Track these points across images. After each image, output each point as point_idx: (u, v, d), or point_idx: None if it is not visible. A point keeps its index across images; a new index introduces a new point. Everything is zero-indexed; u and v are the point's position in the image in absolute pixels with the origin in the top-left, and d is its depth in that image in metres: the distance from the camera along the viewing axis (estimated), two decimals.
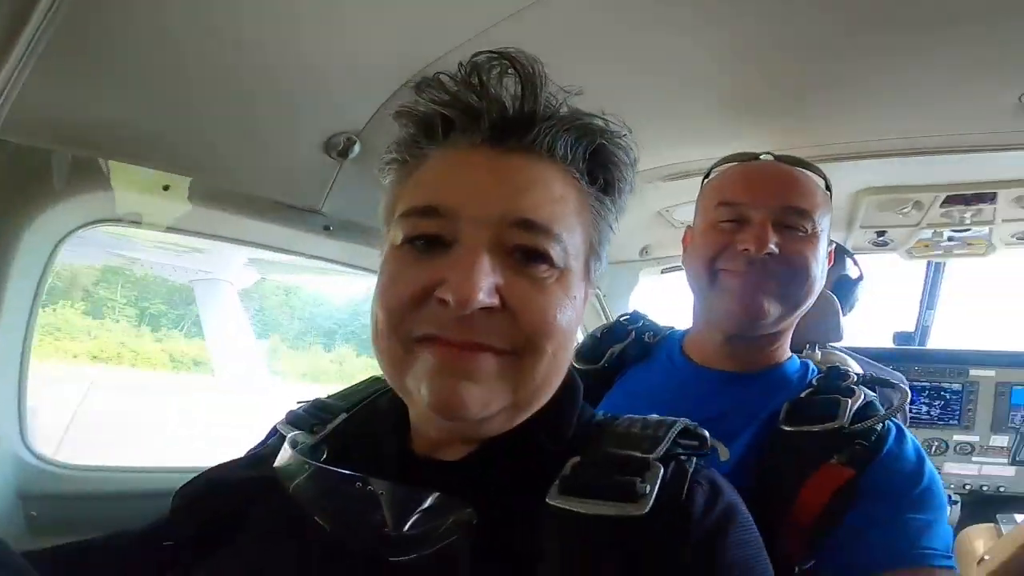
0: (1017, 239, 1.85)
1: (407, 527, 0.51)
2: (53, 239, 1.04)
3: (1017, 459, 2.26)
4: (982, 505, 2.19)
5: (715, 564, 0.51)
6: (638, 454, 0.54)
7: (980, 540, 1.97)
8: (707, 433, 0.60)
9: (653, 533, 0.49)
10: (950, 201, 1.62)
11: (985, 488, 2.32)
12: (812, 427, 0.80)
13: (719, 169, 0.99)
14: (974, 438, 2.38)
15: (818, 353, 1.31)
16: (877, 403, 0.85)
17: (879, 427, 0.80)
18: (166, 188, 1.06)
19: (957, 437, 2.39)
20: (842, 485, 0.76)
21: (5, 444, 1.03)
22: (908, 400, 0.87)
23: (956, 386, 2.43)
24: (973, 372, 2.41)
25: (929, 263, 2.56)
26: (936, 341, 2.72)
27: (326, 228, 1.27)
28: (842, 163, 1.40)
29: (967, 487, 2.32)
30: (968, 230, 1.81)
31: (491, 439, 0.57)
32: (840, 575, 0.75)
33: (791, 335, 0.96)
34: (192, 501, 0.68)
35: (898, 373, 1.71)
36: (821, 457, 0.78)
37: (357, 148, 1.15)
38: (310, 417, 0.69)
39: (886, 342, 2.69)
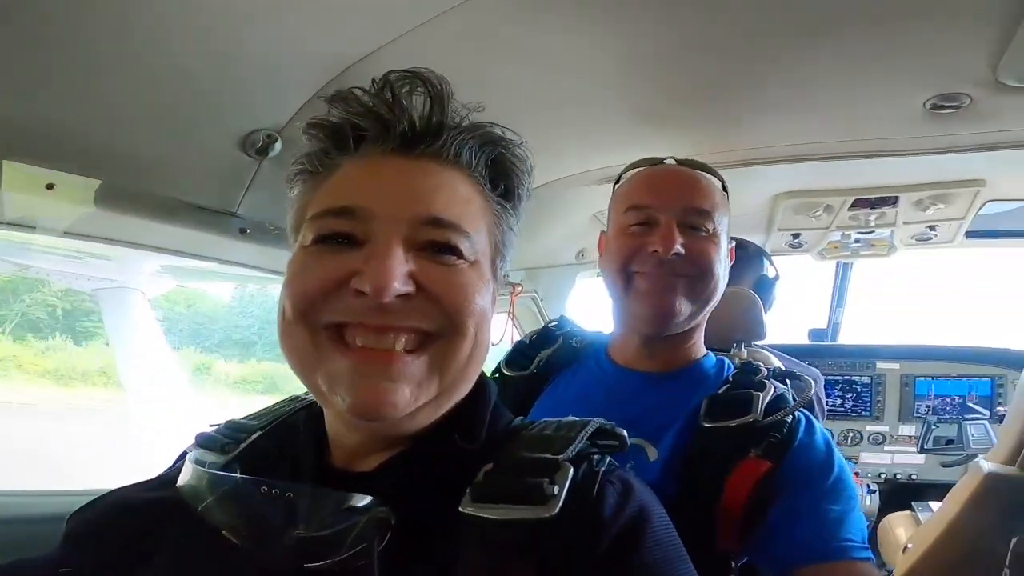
0: (916, 240, 2.00)
1: (321, 530, 0.51)
2: None
3: (924, 447, 2.43)
4: (898, 493, 2.36)
5: (630, 564, 0.51)
6: (549, 456, 0.54)
7: (900, 528, 2.10)
8: (625, 433, 0.61)
9: (564, 534, 0.50)
10: (857, 204, 1.74)
11: (899, 476, 2.49)
12: (729, 422, 0.83)
13: (627, 175, 1.02)
14: (884, 428, 2.56)
15: (744, 351, 1.35)
16: (788, 395, 0.88)
17: (789, 419, 0.84)
18: (49, 187, 0.96)
19: (870, 428, 2.56)
20: (761, 477, 0.79)
21: None
22: (812, 391, 0.91)
23: (866, 379, 2.61)
24: (880, 365, 2.60)
25: (838, 263, 2.73)
26: (847, 337, 2.91)
27: (242, 231, 1.18)
28: (761, 168, 1.47)
29: (883, 476, 2.49)
30: (872, 232, 1.94)
31: (406, 448, 0.58)
32: (769, 569, 0.78)
33: (703, 333, 0.99)
34: (91, 526, 0.63)
35: (814, 368, 1.80)
36: (740, 451, 0.81)
37: (278, 146, 1.09)
38: (222, 437, 0.66)
39: (803, 339, 2.84)
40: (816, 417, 0.90)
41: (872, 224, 1.86)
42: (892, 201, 1.69)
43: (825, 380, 2.57)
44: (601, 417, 0.66)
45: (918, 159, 1.36)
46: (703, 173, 0.97)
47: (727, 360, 1.00)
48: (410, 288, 0.52)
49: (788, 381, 0.93)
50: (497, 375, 1.07)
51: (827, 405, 2.57)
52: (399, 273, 0.51)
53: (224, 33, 0.89)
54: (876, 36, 0.97)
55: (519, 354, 1.07)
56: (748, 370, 0.94)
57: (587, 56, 1.07)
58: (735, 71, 1.10)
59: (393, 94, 0.57)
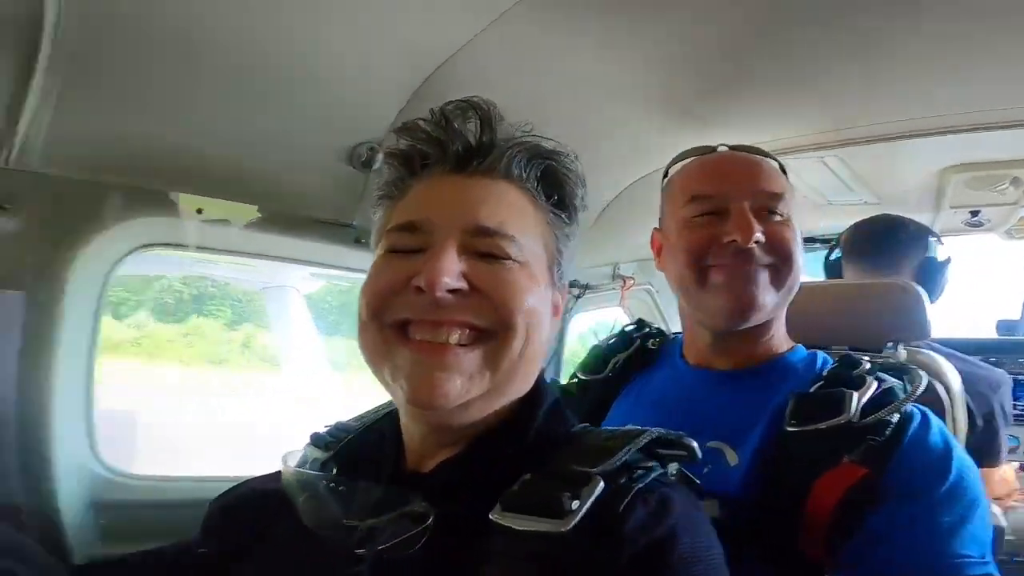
0: None
1: (368, 521, 0.58)
2: (107, 264, 1.10)
3: None
4: None
5: None
6: (585, 468, 0.55)
7: None
8: (694, 444, 0.61)
9: (582, 549, 0.51)
10: None
11: None
12: (819, 425, 0.75)
13: (678, 166, 0.96)
14: None
15: (903, 352, 1.16)
16: (898, 391, 0.78)
17: (894, 418, 0.75)
18: (199, 211, 1.10)
19: None
20: (854, 484, 0.71)
21: (77, 458, 1.11)
22: (922, 384, 0.79)
23: None
24: None
25: None
26: None
27: (357, 240, 1.28)
28: (918, 140, 1.26)
29: None
30: None
31: (460, 449, 0.63)
32: None
33: (783, 324, 0.92)
34: (226, 513, 0.75)
35: (998, 369, 1.51)
36: (831, 457, 0.73)
37: (380, 158, 1.15)
38: (328, 437, 0.75)
39: (991, 332, 2.41)
40: (941, 428, 0.78)
41: None
42: None
43: (1016, 380, 2.16)
44: (677, 419, 0.67)
45: None
46: (763, 157, 0.91)
47: (824, 354, 0.90)
48: (463, 284, 0.58)
49: (903, 377, 0.81)
50: (575, 380, 1.06)
51: (1017, 409, 2.15)
52: (450, 270, 0.57)
53: (321, 57, 0.97)
54: None
55: (595, 358, 1.05)
56: (847, 363, 0.84)
57: (678, 29, 1.03)
58: (866, 36, 0.99)
59: (447, 120, 0.64)
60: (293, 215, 1.21)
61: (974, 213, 1.69)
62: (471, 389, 0.58)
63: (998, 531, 1.57)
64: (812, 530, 0.71)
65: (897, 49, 1.02)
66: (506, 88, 1.09)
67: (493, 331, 0.59)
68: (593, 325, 1.93)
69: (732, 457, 0.80)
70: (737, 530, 0.71)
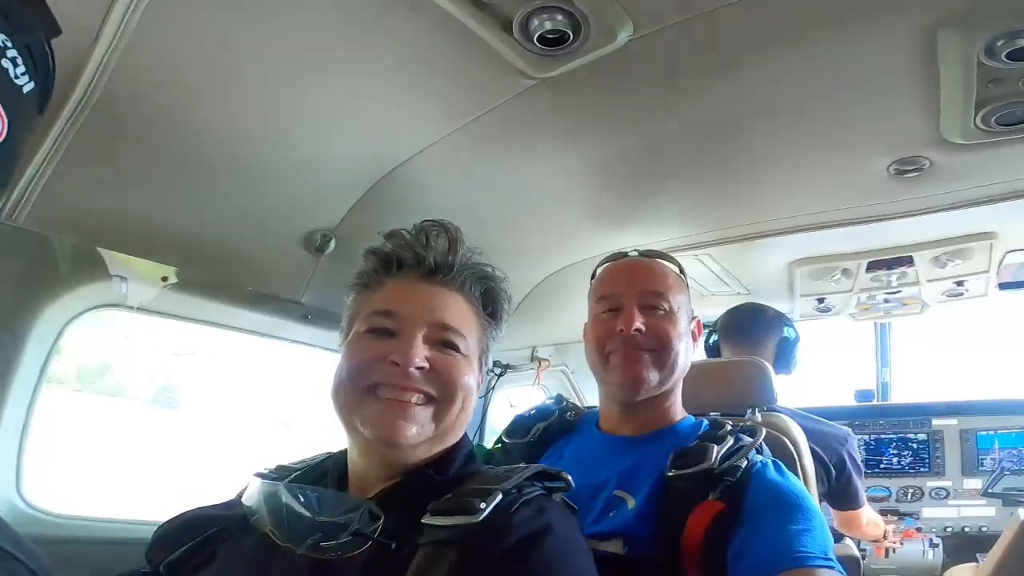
0: (948, 296, 2.00)
1: (334, 517, 0.76)
2: (61, 321, 1.18)
3: (990, 491, 2.34)
4: (966, 545, 2.27)
5: (529, 556, 0.70)
6: (489, 486, 0.76)
7: None
8: (569, 477, 0.83)
9: (483, 534, 0.71)
10: (874, 266, 1.79)
11: (967, 529, 2.39)
12: (688, 470, 0.95)
13: (598, 270, 1.20)
14: (947, 483, 2.47)
15: (758, 415, 1.43)
16: (747, 445, 0.99)
17: (742, 464, 0.95)
18: (164, 279, 1.22)
19: (931, 483, 2.48)
20: (715, 516, 0.90)
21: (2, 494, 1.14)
22: (759, 438, 1.02)
23: (922, 436, 2.54)
24: (936, 421, 2.53)
25: (875, 324, 2.71)
26: (901, 394, 2.83)
27: (304, 316, 1.42)
28: (767, 239, 1.59)
29: (948, 529, 2.40)
30: (899, 291, 1.97)
31: (399, 480, 0.81)
32: None
33: (678, 399, 1.14)
34: (171, 532, 0.88)
35: (843, 428, 1.83)
36: (699, 495, 0.93)
37: (332, 244, 1.33)
38: (273, 473, 0.92)
39: (850, 400, 2.80)
40: (779, 468, 0.99)
41: (895, 284, 1.88)
42: (907, 260, 1.74)
43: (878, 439, 2.54)
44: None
45: (916, 220, 1.46)
46: (659, 260, 1.16)
47: (705, 421, 1.12)
48: (425, 365, 0.80)
49: (756, 435, 1.03)
50: (499, 444, 1.23)
51: (882, 464, 2.51)
52: (420, 353, 0.80)
53: (290, 146, 1.13)
54: (822, 112, 1.11)
55: (519, 426, 1.22)
56: (715, 426, 1.06)
57: (586, 159, 1.29)
58: (702, 160, 1.28)
59: (427, 236, 0.88)
60: (248, 289, 1.34)
61: (820, 300, 2.03)
62: (421, 434, 0.80)
63: (853, 562, 1.84)
64: (689, 555, 0.89)
65: (748, 169, 1.32)
66: (449, 192, 1.32)
67: (440, 398, 0.81)
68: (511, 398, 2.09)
69: (631, 502, 0.99)
70: (637, 560, 0.93)
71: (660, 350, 1.06)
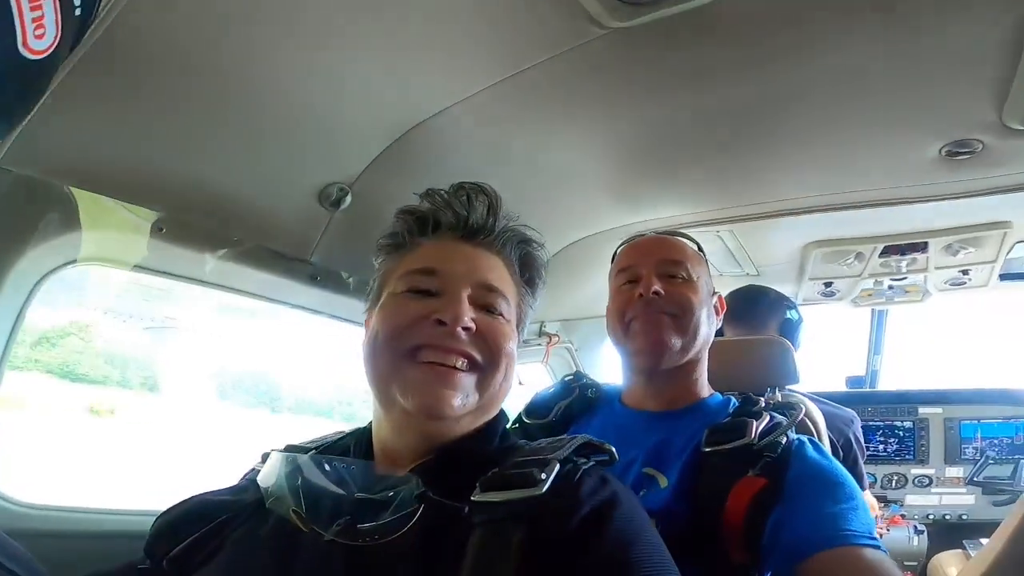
0: (950, 285, 2.02)
1: (372, 494, 0.67)
2: (33, 277, 1.04)
3: (974, 480, 2.41)
4: (948, 533, 2.32)
5: (601, 531, 0.64)
6: (542, 456, 0.70)
7: (952, 567, 2.05)
8: (613, 448, 0.76)
9: (551, 507, 0.64)
10: (887, 251, 1.78)
11: (948, 516, 2.47)
12: (726, 446, 0.92)
13: (619, 249, 1.19)
14: (931, 471, 2.54)
15: (778, 395, 1.40)
16: (784, 422, 0.97)
17: (783, 440, 0.93)
18: (160, 228, 1.09)
19: (915, 471, 2.55)
20: (758, 492, 0.87)
21: None
22: (801, 413, 1.00)
23: (908, 424, 2.59)
24: (922, 410, 2.59)
25: (873, 311, 2.74)
26: (888, 382, 2.89)
27: (313, 277, 1.30)
28: (787, 219, 1.56)
29: (931, 517, 2.47)
30: (905, 278, 1.97)
31: (434, 456, 0.73)
32: (776, 566, 0.84)
33: (704, 374, 1.11)
34: (172, 523, 0.78)
35: (849, 409, 1.83)
36: (738, 471, 0.90)
37: (348, 199, 1.22)
38: (285, 451, 0.81)
39: (841, 387, 2.83)
40: (816, 445, 0.97)
41: (904, 270, 1.89)
42: (922, 247, 1.74)
43: (866, 425, 2.57)
44: (617, 451, 0.80)
45: (942, 205, 1.44)
46: (675, 236, 1.16)
47: (733, 398, 1.09)
48: (472, 326, 0.73)
49: (785, 412, 1.00)
50: (517, 424, 1.17)
51: (869, 450, 2.54)
52: (468, 312, 0.73)
53: (310, 94, 1.03)
54: (882, 91, 1.07)
55: (540, 405, 1.18)
56: (748, 403, 1.04)
57: (612, 129, 1.23)
58: (749, 132, 1.22)
59: (468, 196, 0.82)
60: (251, 244, 1.22)
61: (828, 284, 2.04)
62: (466, 405, 0.72)
63: None
64: (731, 532, 0.86)
65: (771, 144, 1.27)
66: (469, 154, 1.24)
67: (484, 364, 0.74)
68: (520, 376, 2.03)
69: (663, 481, 0.95)
70: (671, 540, 0.86)
71: (681, 315, 1.04)
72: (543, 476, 0.65)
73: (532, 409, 1.18)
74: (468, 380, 0.73)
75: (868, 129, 1.19)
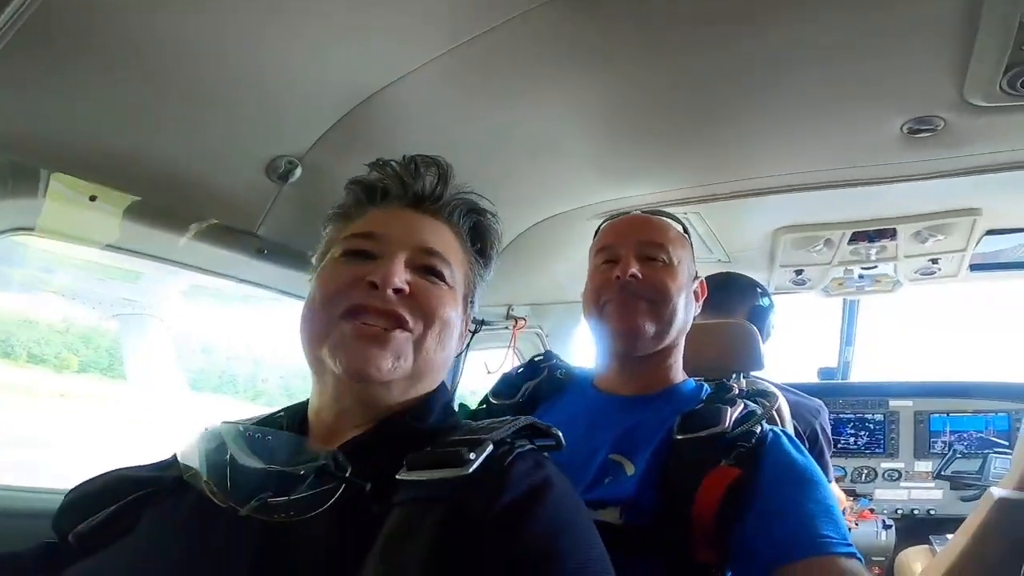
0: (920, 275, 2.02)
1: (288, 467, 0.64)
2: None
3: (941, 474, 2.40)
4: (916, 528, 2.31)
5: (528, 517, 0.60)
6: (475, 436, 0.66)
7: (918, 562, 2.04)
8: (560, 434, 0.73)
9: (475, 490, 0.61)
10: (856, 238, 1.77)
11: (916, 511, 2.45)
12: (699, 433, 0.89)
13: (601, 226, 1.15)
14: (900, 465, 2.53)
15: (743, 381, 1.38)
16: (758, 412, 0.94)
17: (757, 429, 0.90)
18: (93, 198, 1.04)
19: (884, 464, 2.54)
20: (731, 482, 0.83)
21: None
22: (776, 403, 0.97)
23: (878, 416, 2.59)
24: (893, 403, 2.58)
25: (845, 302, 2.74)
26: (860, 374, 2.88)
27: (259, 251, 1.26)
28: (757, 200, 1.53)
29: (899, 511, 2.45)
30: (875, 267, 1.96)
31: (369, 428, 0.71)
32: (747, 570, 0.81)
33: (680, 360, 1.08)
34: (88, 495, 0.74)
35: (816, 399, 1.81)
36: (711, 461, 0.86)
37: (298, 172, 1.18)
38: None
39: (813, 378, 2.83)
40: (791, 438, 0.94)
41: (873, 258, 1.87)
42: (890, 233, 1.72)
43: (837, 418, 2.56)
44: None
45: (908, 187, 1.41)
46: (659, 217, 1.11)
47: (705, 385, 1.06)
48: (405, 288, 0.71)
49: (759, 400, 0.97)
50: (484, 405, 1.13)
51: (840, 443, 2.54)
52: (401, 273, 0.71)
53: (256, 64, 0.99)
54: (842, 64, 1.04)
55: (506, 384, 1.14)
56: (722, 390, 1.00)
57: (579, 99, 1.18)
58: (710, 107, 1.19)
59: (416, 166, 0.80)
60: (196, 216, 1.18)
61: (799, 272, 2.02)
62: (397, 368, 0.70)
63: None
64: (700, 528, 0.82)
65: (734, 119, 1.24)
66: (432, 124, 1.19)
67: (415, 327, 0.71)
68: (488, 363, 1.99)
69: (629, 468, 0.91)
70: (635, 531, 0.83)
71: (657, 301, 1.00)
72: (471, 456, 0.62)
73: (499, 390, 1.14)
74: (399, 342, 0.70)
75: (829, 105, 1.16)
